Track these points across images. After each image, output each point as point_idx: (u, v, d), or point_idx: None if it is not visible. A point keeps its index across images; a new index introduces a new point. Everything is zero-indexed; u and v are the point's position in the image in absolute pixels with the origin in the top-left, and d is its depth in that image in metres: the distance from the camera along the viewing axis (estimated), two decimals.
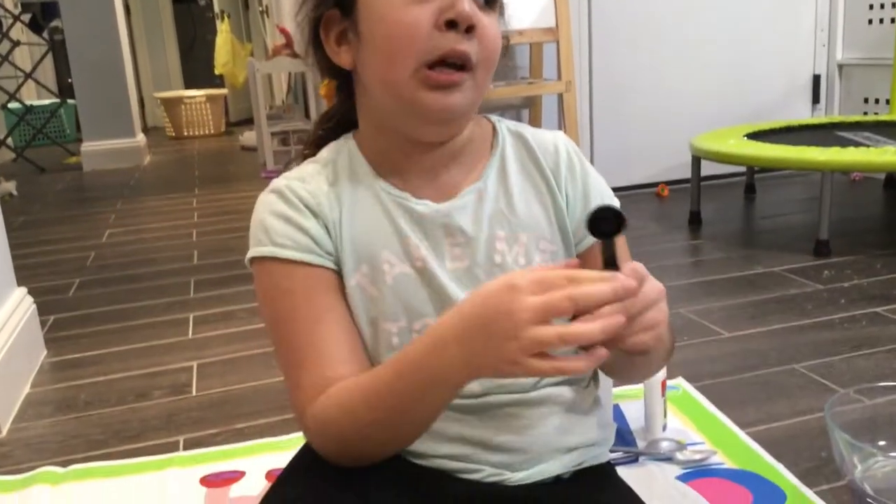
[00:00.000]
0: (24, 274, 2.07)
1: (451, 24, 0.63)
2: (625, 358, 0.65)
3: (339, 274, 0.69)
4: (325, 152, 0.74)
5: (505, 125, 0.76)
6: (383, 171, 0.71)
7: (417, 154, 0.70)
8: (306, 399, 0.66)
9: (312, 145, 0.77)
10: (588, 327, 0.53)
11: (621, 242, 0.75)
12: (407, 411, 0.62)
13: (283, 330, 0.68)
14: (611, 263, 0.57)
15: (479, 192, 0.71)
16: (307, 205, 0.69)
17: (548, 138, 0.76)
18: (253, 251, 0.69)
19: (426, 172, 0.71)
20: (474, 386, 0.69)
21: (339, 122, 0.76)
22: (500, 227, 0.71)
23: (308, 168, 0.73)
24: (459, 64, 0.64)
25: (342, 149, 0.73)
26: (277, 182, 0.71)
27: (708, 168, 2.56)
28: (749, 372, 1.39)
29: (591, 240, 0.72)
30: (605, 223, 0.57)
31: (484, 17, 0.65)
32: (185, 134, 5.84)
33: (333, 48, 0.69)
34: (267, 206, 0.70)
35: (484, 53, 0.65)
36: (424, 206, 0.70)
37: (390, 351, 0.68)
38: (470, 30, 0.64)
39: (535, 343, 0.53)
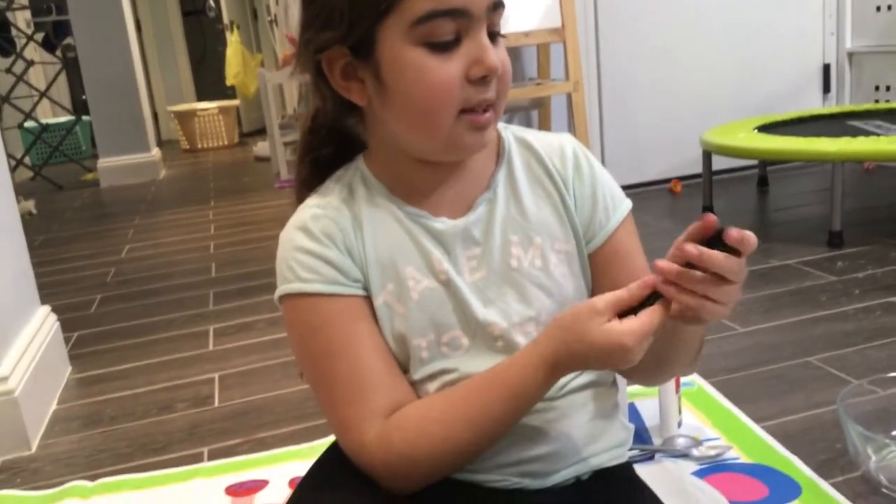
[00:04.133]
0: (47, 292, 2.11)
1: (483, 77, 0.65)
2: (660, 342, 0.67)
3: (368, 299, 0.71)
4: (338, 179, 0.75)
5: (511, 132, 0.78)
6: (399, 192, 0.73)
7: (428, 172, 0.72)
8: (360, 434, 0.67)
9: (306, 153, 0.77)
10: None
11: (630, 233, 0.75)
12: (499, 426, 0.67)
13: (321, 368, 0.69)
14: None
15: (489, 202, 0.73)
16: (329, 235, 0.70)
17: (554, 141, 0.77)
18: (280, 289, 0.70)
19: (438, 186, 0.72)
20: None
21: (331, 130, 0.76)
22: (513, 233, 0.72)
23: (325, 195, 0.74)
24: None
25: (355, 173, 0.75)
26: (298, 215, 0.72)
27: (721, 162, 2.56)
28: (763, 366, 1.40)
29: (600, 238, 0.75)
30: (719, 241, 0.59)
31: (499, 51, 0.67)
32: (200, 146, 5.90)
33: (339, 81, 0.69)
34: (290, 242, 0.71)
35: (501, 89, 0.68)
36: (442, 223, 0.72)
37: (420, 365, 0.71)
38: (491, 77, 0.66)
39: (648, 342, 0.62)
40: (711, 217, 0.60)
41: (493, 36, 0.67)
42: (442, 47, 0.64)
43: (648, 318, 0.61)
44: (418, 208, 0.72)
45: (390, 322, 0.70)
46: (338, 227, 0.71)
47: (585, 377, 0.74)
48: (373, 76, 0.67)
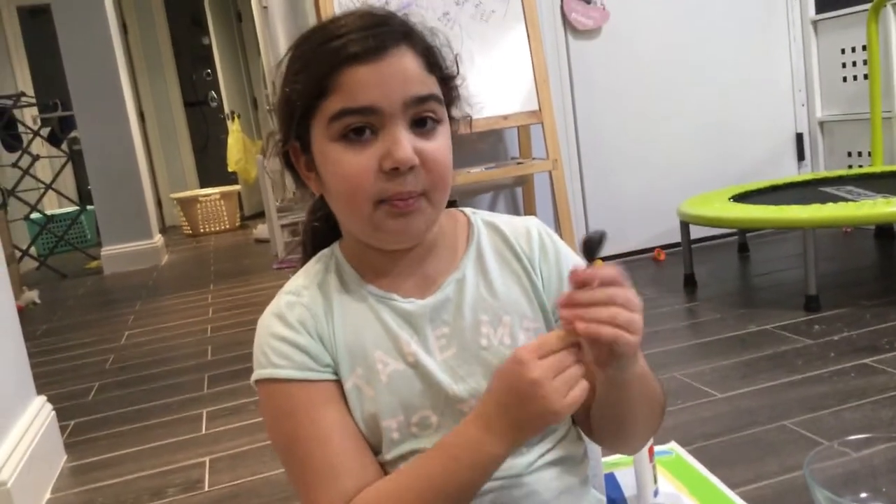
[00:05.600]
0: (46, 381, 2.16)
1: (394, 169, 0.68)
2: (611, 393, 0.71)
3: (339, 383, 0.74)
4: (316, 261, 0.80)
5: (480, 217, 0.82)
6: (368, 276, 0.77)
7: (395, 256, 0.76)
8: None
9: (308, 235, 0.83)
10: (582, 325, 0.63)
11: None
12: (451, 498, 0.67)
13: (292, 452, 0.72)
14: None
15: (458, 282, 0.77)
16: (302, 322, 0.74)
17: (520, 224, 0.81)
18: (255, 374, 0.74)
19: (406, 269, 0.76)
20: None
21: (326, 214, 0.81)
22: (483, 312, 0.75)
23: (301, 281, 0.78)
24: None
25: (330, 258, 0.79)
26: (275, 302, 0.77)
27: (703, 230, 2.63)
28: (740, 432, 1.43)
29: None
30: (595, 246, 0.65)
31: (427, 143, 0.69)
32: (202, 231, 6.02)
33: (304, 172, 0.76)
34: (266, 328, 0.75)
35: (432, 176, 0.70)
36: (411, 303, 0.75)
37: (392, 446, 0.73)
38: (413, 168, 0.68)
39: (565, 385, 0.63)
40: (575, 271, 0.65)
41: (425, 128, 0.70)
42: (356, 141, 0.69)
43: (558, 355, 0.63)
44: (387, 290, 0.76)
45: (360, 405, 0.73)
46: (311, 313, 0.74)
47: (554, 453, 0.76)
48: (315, 169, 0.74)
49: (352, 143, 0.69)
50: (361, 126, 0.69)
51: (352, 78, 0.68)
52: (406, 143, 0.68)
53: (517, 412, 0.64)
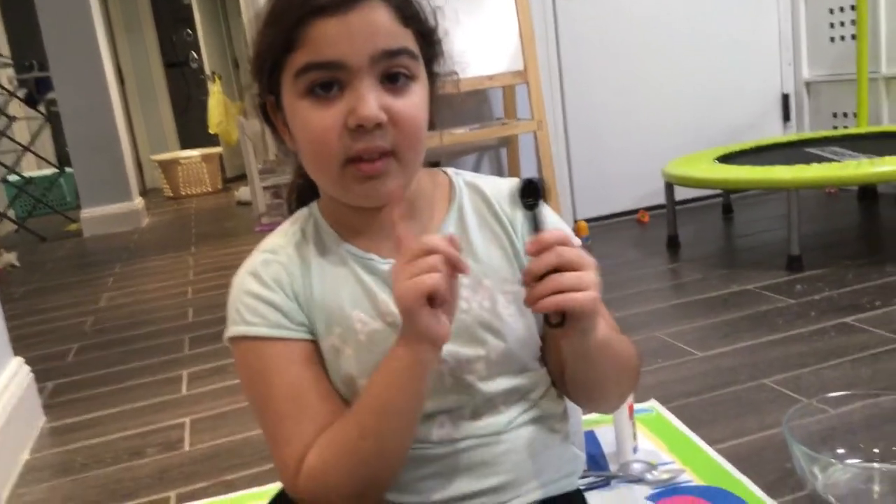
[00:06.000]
0: (25, 343, 2.14)
1: (360, 126, 0.66)
2: (576, 359, 0.71)
3: (314, 343, 0.73)
4: (293, 222, 0.79)
5: (462, 178, 0.80)
6: (347, 235, 0.76)
7: (368, 215, 0.74)
8: (294, 472, 0.69)
9: (293, 193, 0.82)
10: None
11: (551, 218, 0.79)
12: (395, 417, 0.67)
13: (264, 409, 0.72)
14: (538, 230, 0.66)
15: None
16: (277, 280, 0.73)
17: (503, 186, 0.80)
18: (228, 331, 0.74)
19: (386, 229, 0.74)
20: (451, 432, 0.74)
21: None
22: (463, 276, 0.74)
23: (277, 240, 0.77)
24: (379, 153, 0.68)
25: (308, 217, 0.78)
26: (250, 260, 0.76)
27: (687, 191, 2.63)
28: (720, 390, 1.44)
29: None
30: (530, 194, 0.65)
31: (397, 100, 0.68)
32: (183, 193, 5.95)
33: (281, 127, 0.74)
34: (240, 286, 0.74)
35: (401, 135, 0.68)
36: (390, 264, 0.73)
37: None
38: (380, 125, 0.67)
39: (414, 274, 0.63)
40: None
41: (396, 83, 0.68)
42: (323, 98, 0.67)
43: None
44: (366, 251, 0.75)
45: (337, 364, 0.73)
46: (286, 271, 0.73)
47: (534, 412, 0.77)
48: (288, 125, 0.72)
49: (318, 99, 0.67)
50: (329, 81, 0.67)
51: (318, 31, 0.66)
52: (371, 100, 0.66)
53: (404, 316, 0.65)
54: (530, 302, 0.64)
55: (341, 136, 0.67)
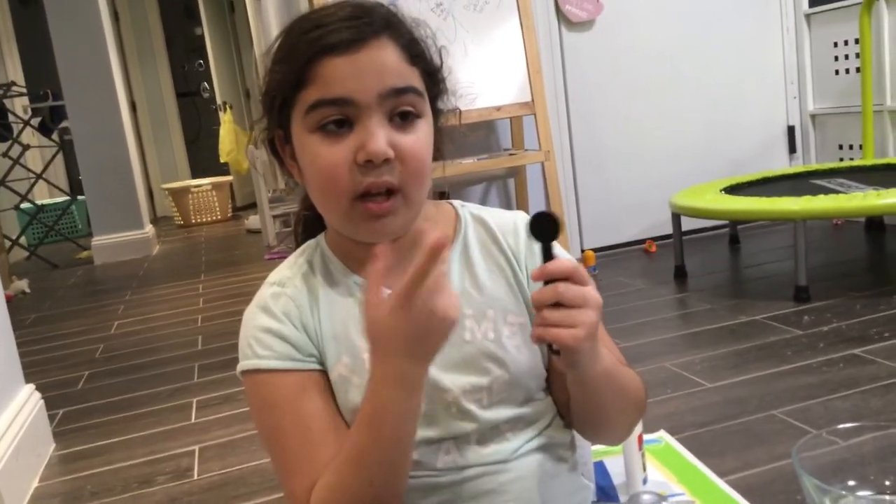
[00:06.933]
0: (35, 370, 2.15)
1: (368, 162, 0.68)
2: (579, 391, 0.71)
3: (324, 373, 0.74)
4: (300, 253, 0.80)
5: (467, 210, 0.82)
6: (354, 267, 0.77)
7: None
8: (304, 502, 0.70)
9: (300, 225, 0.84)
10: (409, 275, 0.62)
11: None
12: (378, 460, 0.67)
13: (274, 441, 0.73)
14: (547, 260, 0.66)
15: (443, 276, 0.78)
16: (286, 312, 0.74)
17: (508, 219, 0.82)
18: (240, 365, 0.75)
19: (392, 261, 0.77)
20: (457, 458, 0.74)
21: None
22: (468, 306, 0.75)
23: (285, 272, 0.78)
24: (386, 190, 0.70)
25: (315, 248, 0.80)
26: (260, 293, 0.77)
27: (694, 222, 2.64)
28: (729, 421, 1.43)
29: None
30: (543, 228, 0.66)
31: (404, 137, 0.69)
32: (193, 221, 6.00)
33: (289, 161, 0.76)
34: (251, 320, 0.76)
35: (407, 171, 0.70)
36: None
37: None
38: (388, 161, 0.68)
39: (397, 305, 0.62)
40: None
41: (404, 121, 0.70)
42: (333, 134, 0.69)
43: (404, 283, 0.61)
44: None
45: (346, 394, 0.73)
46: (295, 304, 0.75)
47: (540, 440, 0.77)
48: (296, 159, 0.74)
49: (328, 135, 0.69)
50: (339, 118, 0.69)
51: (328, 69, 0.68)
52: (380, 136, 0.68)
53: (389, 344, 0.64)
54: (550, 332, 0.65)
55: (351, 172, 0.69)
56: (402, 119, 0.70)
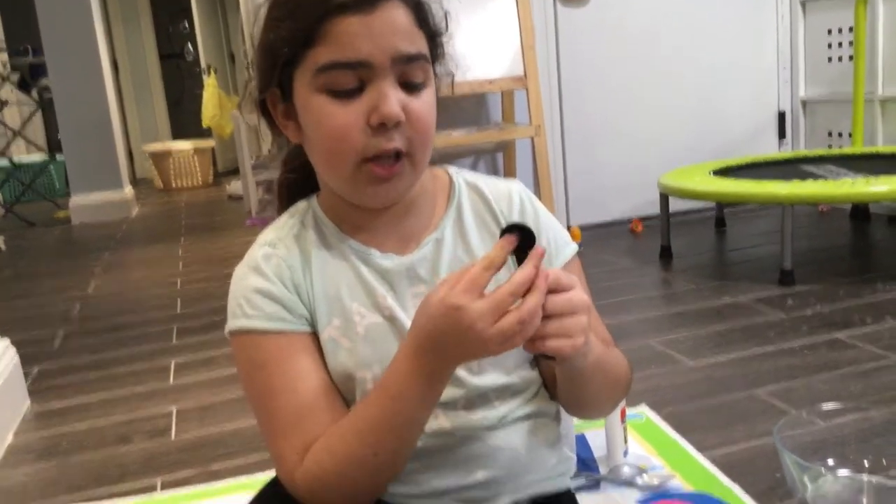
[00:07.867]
0: (10, 326, 2.11)
1: (381, 125, 0.67)
2: (568, 380, 0.71)
3: (314, 335, 0.73)
4: (291, 214, 0.78)
5: (462, 177, 0.81)
6: (347, 229, 0.76)
7: (374, 212, 0.75)
8: (292, 466, 0.69)
9: (283, 188, 0.82)
10: (533, 298, 0.61)
11: (575, 275, 0.79)
12: (389, 434, 0.67)
13: (262, 402, 0.72)
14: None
15: (436, 242, 0.76)
16: (277, 272, 0.73)
17: (502, 187, 0.81)
18: (228, 325, 0.74)
19: (386, 225, 0.75)
20: (444, 423, 0.73)
21: (302, 164, 0.80)
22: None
23: (277, 232, 0.77)
24: (394, 154, 0.69)
25: (307, 211, 0.78)
26: (251, 254, 0.75)
27: (681, 204, 2.64)
28: (711, 398, 1.44)
29: None
30: (519, 245, 0.64)
31: (413, 100, 0.69)
32: (174, 185, 5.92)
33: (281, 121, 0.74)
34: (240, 280, 0.74)
35: (416, 135, 0.69)
36: (389, 259, 0.74)
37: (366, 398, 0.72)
38: (399, 124, 0.68)
39: (503, 336, 0.60)
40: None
41: (412, 86, 0.69)
42: (343, 94, 0.67)
43: (496, 297, 0.60)
44: (365, 245, 0.75)
45: (335, 356, 0.72)
46: (287, 264, 0.74)
47: (527, 408, 0.77)
48: (295, 118, 0.72)
49: (338, 95, 0.67)
50: (354, 82, 0.67)
51: (341, 28, 0.66)
52: (394, 99, 0.67)
53: (454, 351, 0.63)
54: (548, 343, 0.63)
55: (362, 134, 0.68)
56: (410, 83, 0.69)
